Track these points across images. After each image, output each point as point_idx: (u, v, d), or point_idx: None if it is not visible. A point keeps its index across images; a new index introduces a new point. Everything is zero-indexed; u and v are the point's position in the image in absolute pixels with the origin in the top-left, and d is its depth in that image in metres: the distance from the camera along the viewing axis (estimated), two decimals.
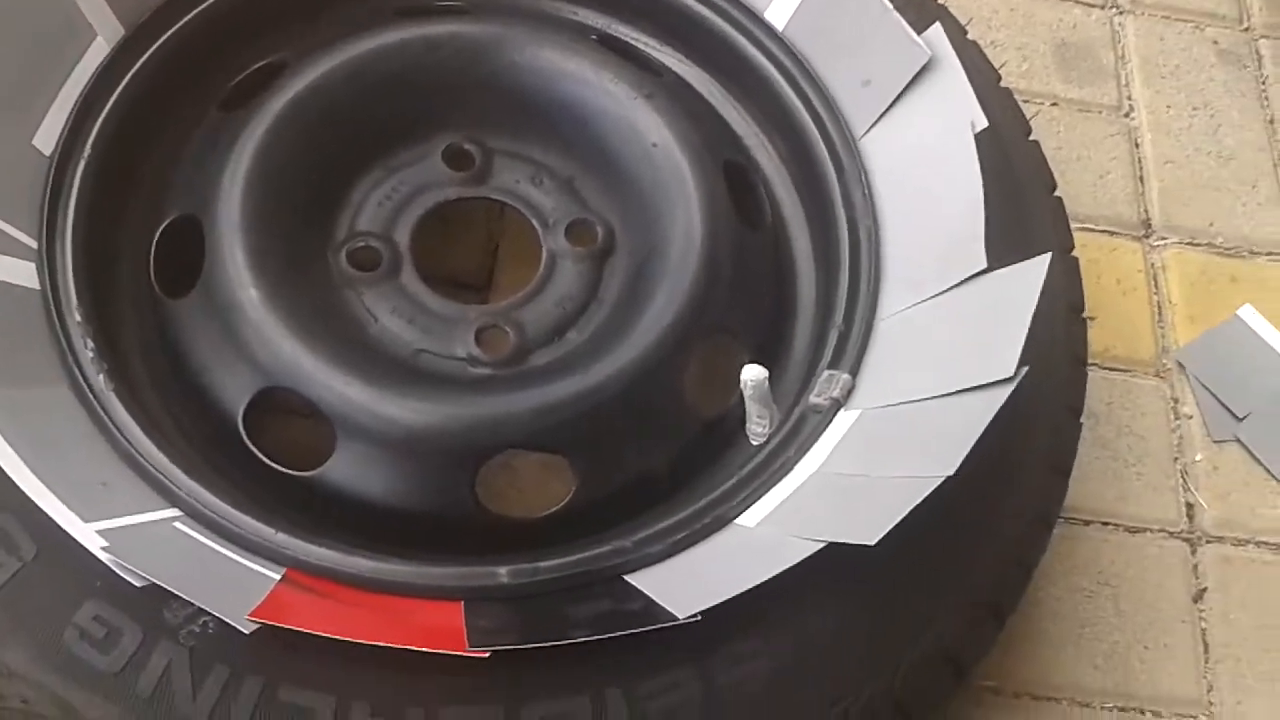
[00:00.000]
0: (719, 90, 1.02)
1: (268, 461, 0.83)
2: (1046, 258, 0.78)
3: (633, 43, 1.03)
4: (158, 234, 0.89)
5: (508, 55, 0.97)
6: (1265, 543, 1.12)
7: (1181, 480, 1.15)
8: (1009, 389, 0.74)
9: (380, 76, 0.95)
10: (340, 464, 0.82)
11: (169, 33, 0.93)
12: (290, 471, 0.83)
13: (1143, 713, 1.04)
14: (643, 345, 0.86)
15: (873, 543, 0.68)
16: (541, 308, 0.93)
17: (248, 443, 0.83)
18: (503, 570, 0.76)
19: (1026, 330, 0.75)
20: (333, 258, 0.92)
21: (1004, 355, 0.75)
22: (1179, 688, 1.05)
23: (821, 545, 0.71)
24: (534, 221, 0.97)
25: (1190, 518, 1.13)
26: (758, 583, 0.70)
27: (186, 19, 0.93)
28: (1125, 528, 1.12)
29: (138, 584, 0.69)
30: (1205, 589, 1.09)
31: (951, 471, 0.70)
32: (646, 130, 0.94)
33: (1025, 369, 0.74)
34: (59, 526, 0.70)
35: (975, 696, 1.00)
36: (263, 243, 0.87)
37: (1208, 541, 1.12)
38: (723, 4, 0.99)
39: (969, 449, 0.71)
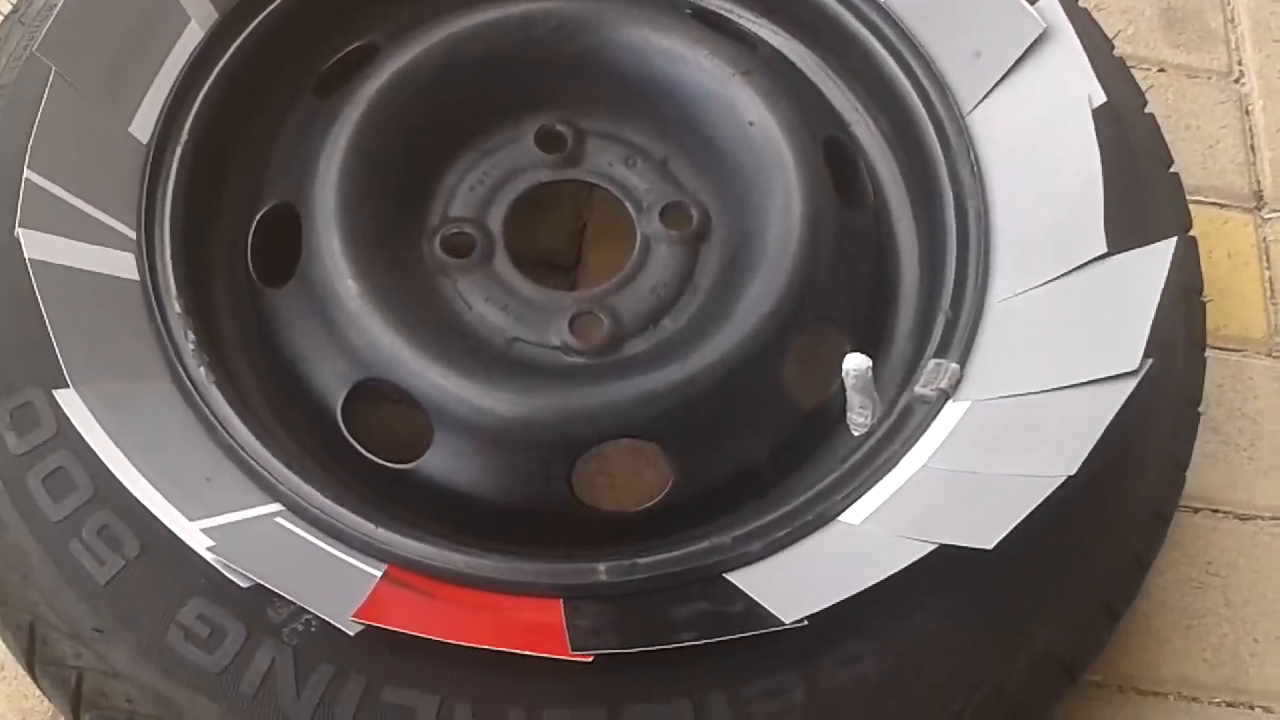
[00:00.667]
0: (818, 64, 0.98)
1: (367, 454, 0.83)
2: (1172, 243, 0.75)
3: (728, 16, 1.00)
4: (255, 222, 0.89)
5: (601, 32, 0.94)
6: None
7: None
8: (1133, 383, 0.70)
9: (473, 57, 0.93)
10: (438, 456, 0.81)
11: (261, 16, 0.91)
12: (389, 464, 0.83)
13: (1252, 708, 1.00)
14: (740, 334, 0.84)
15: (990, 546, 0.66)
16: (636, 294, 0.91)
17: (347, 435, 0.83)
18: (601, 567, 0.75)
19: (1150, 320, 0.72)
20: (427, 245, 0.91)
21: (1128, 347, 0.71)
22: None
23: (933, 547, 0.69)
24: (627, 204, 0.95)
25: None
26: (866, 586, 0.68)
27: (279, 2, 0.92)
28: (1235, 515, 1.08)
29: (243, 584, 0.69)
30: None
31: (1073, 471, 0.68)
32: (744, 109, 0.92)
33: (1150, 361, 0.71)
34: (163, 524, 0.70)
35: (1079, 690, 0.97)
36: (359, 231, 0.86)
37: None
38: None
39: (1090, 447, 0.68)
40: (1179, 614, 1.03)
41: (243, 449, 0.77)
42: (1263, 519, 1.08)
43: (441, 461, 0.81)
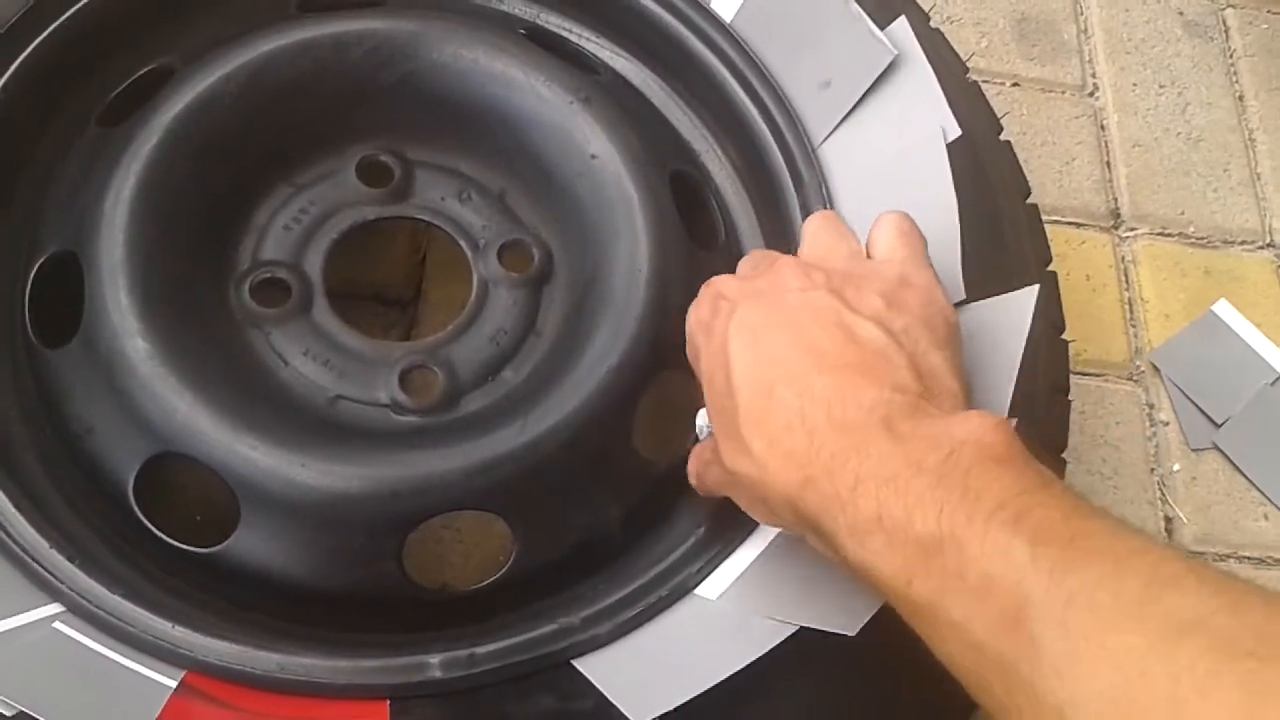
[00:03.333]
0: (664, 90, 0.92)
1: (164, 538, 0.73)
2: (1034, 290, 0.71)
3: (566, 36, 0.93)
4: (33, 274, 0.78)
5: (425, 55, 0.86)
6: (1248, 558, 1.06)
7: (1160, 493, 1.09)
8: None
9: (282, 82, 0.84)
10: (247, 538, 0.72)
11: (39, 39, 0.80)
12: (191, 549, 0.73)
13: None
14: (586, 390, 0.77)
15: (853, 633, 0.60)
16: (473, 343, 0.84)
17: (141, 517, 0.73)
18: (434, 660, 0.67)
19: (1015, 376, 0.67)
20: (234, 292, 0.81)
21: (992, 403, 0.67)
22: None
23: (793, 630, 0.63)
24: (462, 243, 0.87)
25: (1170, 533, 1.07)
26: (724, 676, 0.62)
27: (59, 22, 0.81)
28: None
29: (8, 714, 0.59)
30: None
31: None
32: (584, 139, 0.84)
33: (1014, 421, 0.67)
34: None
35: None
36: (151, 280, 0.76)
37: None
38: None
39: None
40: None
41: (15, 541, 0.67)
42: None
43: (251, 544, 0.72)
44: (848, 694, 0.69)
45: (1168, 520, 1.07)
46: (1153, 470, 1.09)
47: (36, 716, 0.58)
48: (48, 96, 0.81)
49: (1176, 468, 1.09)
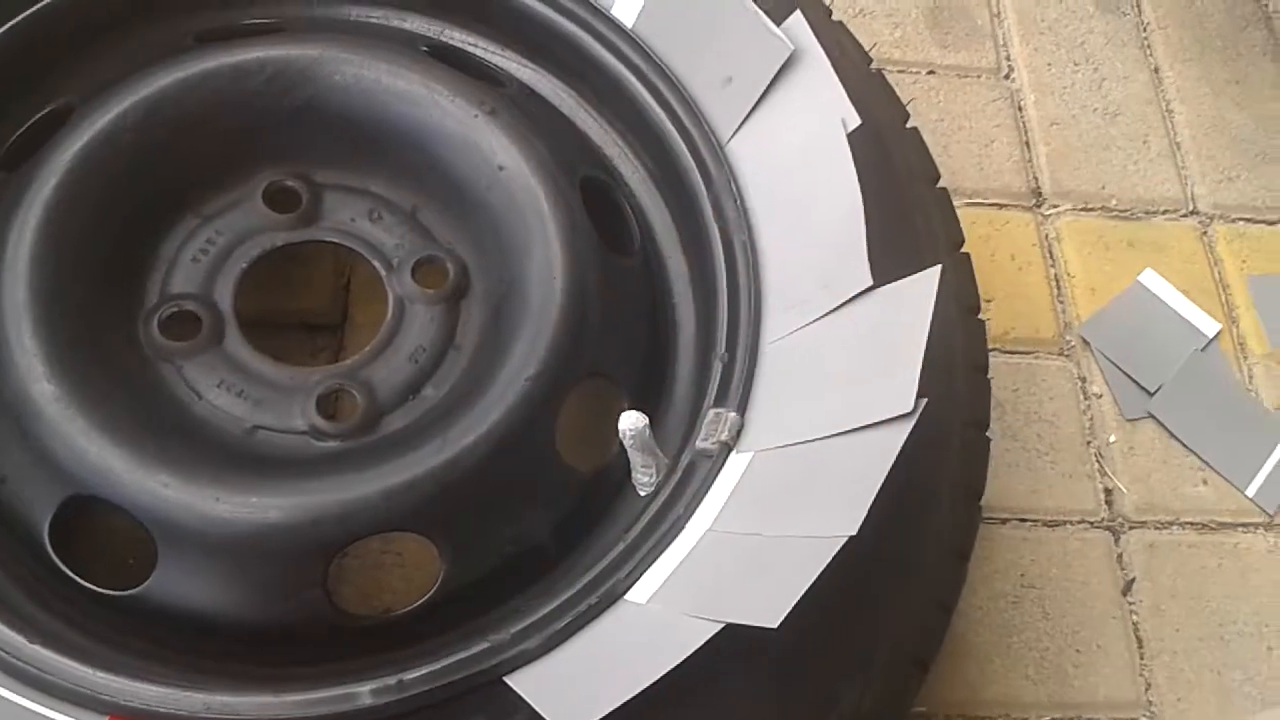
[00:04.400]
0: (571, 97, 0.92)
1: (81, 583, 0.72)
2: (936, 271, 0.71)
3: (470, 50, 0.92)
4: None
5: (326, 79, 0.85)
6: (1190, 523, 1.07)
7: (1097, 465, 1.09)
8: (908, 426, 0.66)
9: (183, 114, 0.83)
10: (165, 577, 0.71)
11: None
12: (108, 592, 0.72)
13: None
14: (507, 401, 0.76)
15: (775, 625, 0.60)
16: (392, 363, 0.83)
17: (57, 562, 0.72)
18: (365, 690, 0.66)
19: (922, 355, 0.67)
20: (144, 328, 0.80)
21: (900, 387, 0.67)
22: (1116, 690, 1.00)
23: (719, 628, 0.63)
24: (375, 263, 0.86)
25: (1110, 504, 1.08)
26: (651, 681, 0.62)
27: None
28: (1043, 522, 1.06)
29: None
30: (1133, 579, 1.04)
31: (854, 531, 0.63)
32: (491, 151, 0.84)
33: (924, 401, 0.66)
34: None
35: None
36: (56, 322, 0.75)
37: (1131, 528, 1.07)
38: (566, 2, 0.89)
39: (870, 502, 0.63)
40: (998, 632, 1.01)
41: None
42: (1070, 524, 1.06)
43: (171, 583, 0.71)
44: (778, 689, 0.69)
45: (1107, 492, 1.08)
46: (1089, 443, 1.10)
47: None
48: None
49: (1113, 439, 1.10)
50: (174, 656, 0.70)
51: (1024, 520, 1.06)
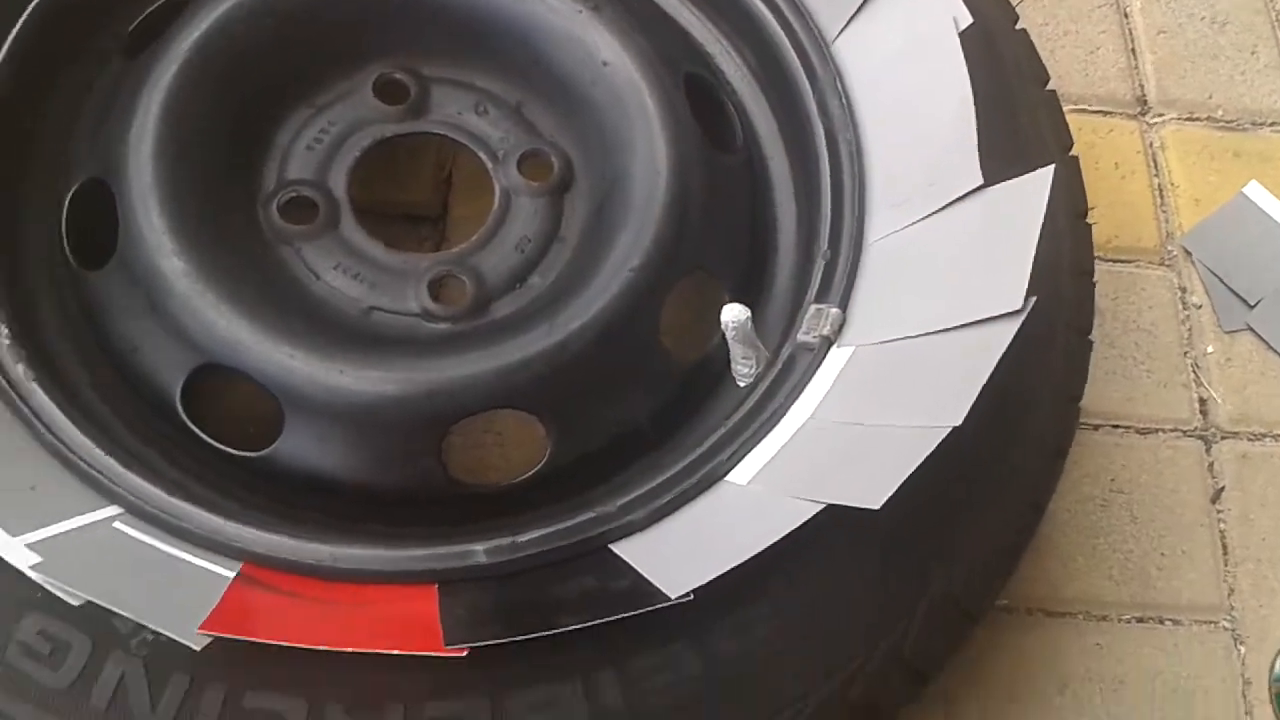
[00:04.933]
0: None
1: (213, 444, 0.76)
2: (1049, 171, 0.71)
3: None
4: (67, 200, 0.80)
5: None
6: None
7: (1193, 375, 1.09)
8: (1016, 323, 0.67)
9: (294, 6, 0.85)
10: (291, 442, 0.75)
11: None
12: (238, 453, 0.76)
13: (1162, 622, 1.00)
14: (612, 290, 0.78)
15: (877, 506, 0.62)
16: (499, 252, 0.86)
17: (189, 425, 0.76)
18: (479, 547, 0.70)
19: (1033, 254, 0.68)
20: (263, 212, 0.84)
21: (1010, 285, 0.67)
22: (1199, 594, 1.00)
23: (820, 508, 0.65)
24: (482, 155, 0.89)
25: (1204, 414, 1.07)
26: (754, 553, 0.64)
27: None
28: (1136, 429, 1.06)
29: (74, 603, 0.62)
30: (1223, 488, 1.04)
31: (958, 422, 0.64)
32: (596, 47, 0.85)
33: (1033, 299, 0.67)
34: None
35: (987, 616, 0.95)
36: (182, 203, 0.78)
37: (1223, 438, 1.07)
38: None
39: (975, 395, 0.65)
40: (1084, 533, 1.02)
41: (72, 450, 0.70)
42: (1163, 431, 1.06)
43: (297, 447, 0.75)
44: (874, 569, 0.71)
45: (1201, 402, 1.08)
46: (1186, 353, 1.09)
47: (103, 605, 0.62)
48: (71, 31, 0.83)
49: (1210, 350, 1.09)
50: (299, 514, 0.74)
51: (1117, 427, 1.06)
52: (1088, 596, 1.00)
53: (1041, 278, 0.70)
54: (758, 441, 0.74)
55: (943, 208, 0.74)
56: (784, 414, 0.75)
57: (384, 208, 1.01)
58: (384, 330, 0.82)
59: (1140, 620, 1.00)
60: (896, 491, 0.63)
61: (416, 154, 1.04)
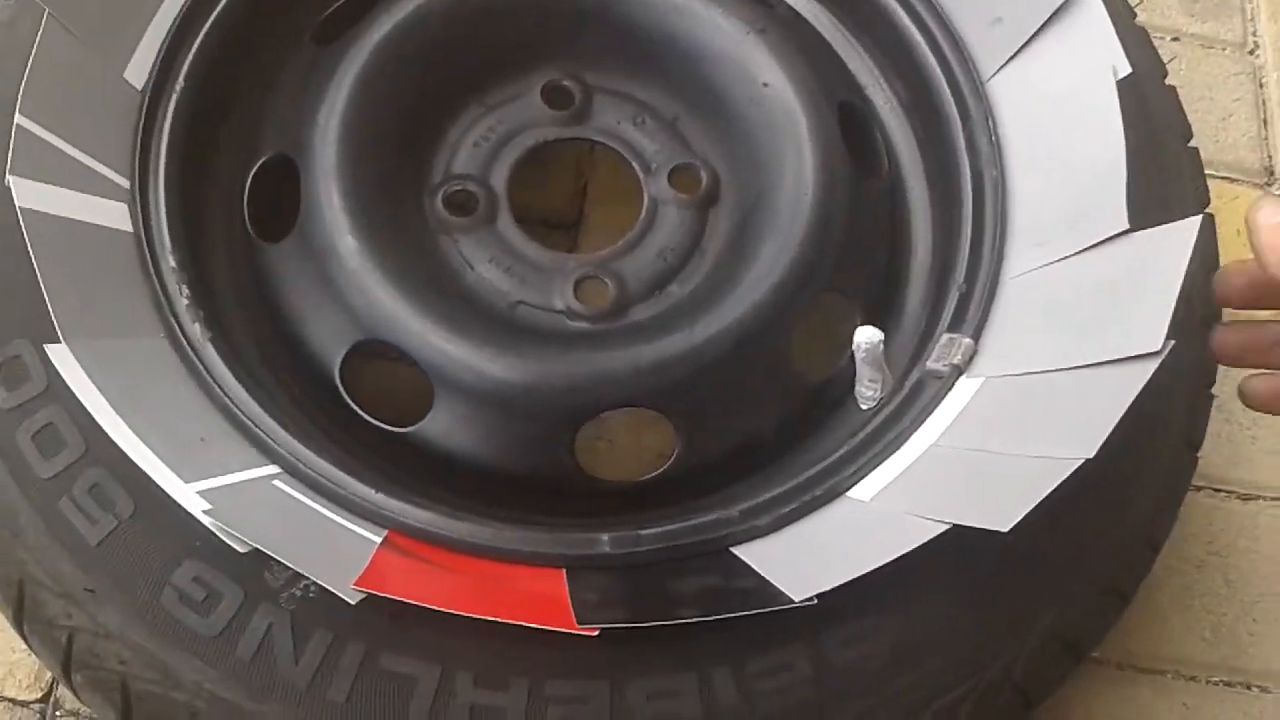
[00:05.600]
0: (835, 25, 0.95)
1: (366, 417, 0.81)
2: (1197, 220, 0.73)
3: None
4: (251, 174, 0.86)
5: None
6: None
7: None
8: (1154, 364, 0.69)
9: (478, 7, 0.90)
10: (438, 421, 0.79)
11: None
12: (388, 427, 0.81)
13: (1249, 687, 1.00)
14: (749, 303, 0.82)
15: (1006, 529, 0.64)
16: (642, 258, 0.89)
17: (345, 397, 0.81)
18: (604, 537, 0.73)
19: (1175, 299, 0.70)
20: (428, 201, 0.88)
21: (1150, 326, 0.69)
22: None
23: (946, 527, 0.67)
24: (635, 165, 0.92)
25: None
26: (878, 565, 0.67)
27: None
28: (1238, 495, 1.07)
29: (241, 549, 0.67)
30: None
31: (1092, 454, 0.66)
32: (758, 69, 0.89)
33: (1172, 343, 0.69)
34: (157, 485, 0.68)
35: (1078, 668, 0.97)
36: (360, 185, 0.83)
37: None
38: None
39: (1110, 429, 0.67)
40: (1180, 593, 1.03)
41: (239, 409, 0.75)
42: (1265, 499, 1.07)
43: (442, 426, 0.79)
44: (988, 596, 0.73)
45: None
46: None
47: (268, 553, 0.66)
48: (268, 13, 0.89)
49: None
50: (439, 491, 0.77)
51: (1219, 490, 1.07)
52: (1179, 656, 1.00)
53: (1175, 327, 0.72)
54: (881, 461, 0.76)
55: (1087, 248, 0.76)
56: (909, 437, 0.77)
57: (524, 211, 1.05)
58: (528, 324, 0.86)
59: (1229, 684, 1.00)
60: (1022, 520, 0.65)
61: (557, 162, 1.08)
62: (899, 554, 0.67)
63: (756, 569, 0.71)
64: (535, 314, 0.86)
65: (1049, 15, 0.83)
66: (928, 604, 0.72)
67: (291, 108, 0.86)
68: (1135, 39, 0.90)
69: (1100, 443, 0.66)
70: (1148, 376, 0.68)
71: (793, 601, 0.67)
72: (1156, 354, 0.68)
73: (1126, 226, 0.74)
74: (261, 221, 0.85)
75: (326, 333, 0.81)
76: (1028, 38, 0.84)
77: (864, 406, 0.85)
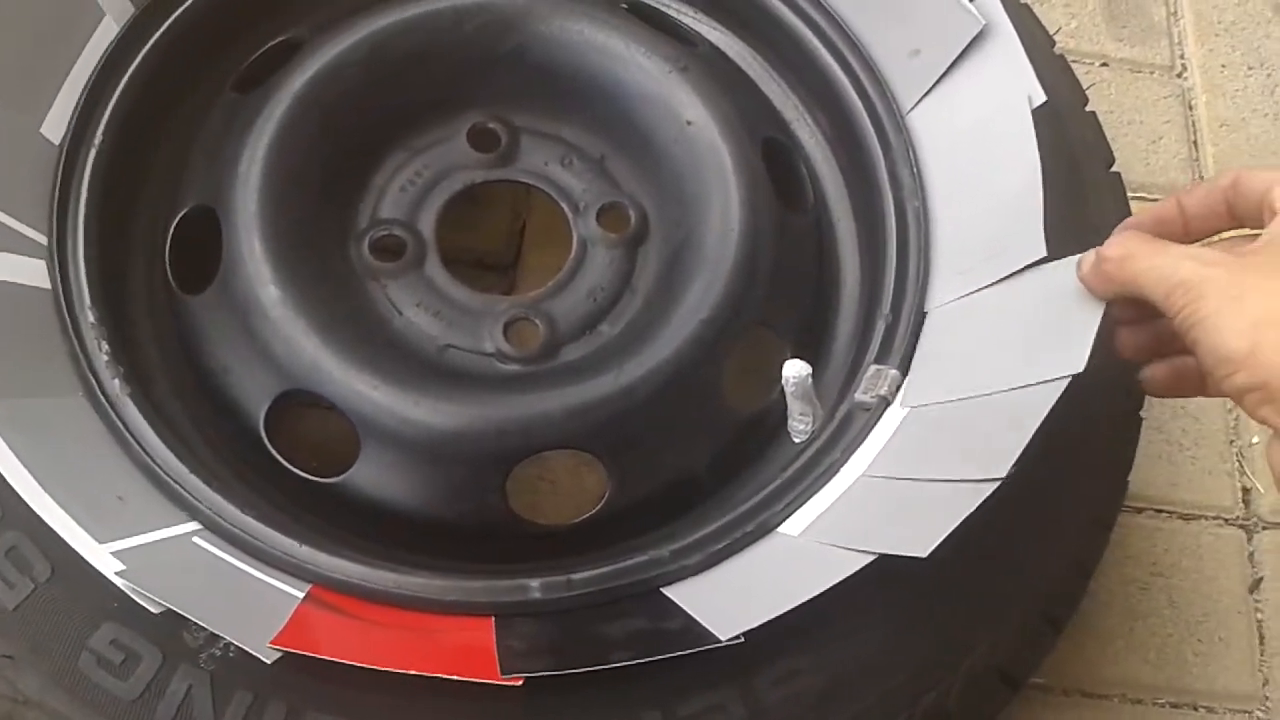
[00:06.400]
0: (758, 61, 0.96)
1: (291, 468, 0.80)
2: None
3: (666, 11, 0.98)
4: (173, 226, 0.85)
5: (534, 28, 0.91)
6: None
7: (1238, 464, 1.10)
8: (1065, 382, 0.69)
9: (403, 52, 0.90)
10: (365, 469, 0.79)
11: (180, 9, 0.87)
12: (314, 478, 0.80)
13: (1196, 708, 1.00)
14: (679, 341, 0.82)
15: (925, 554, 0.64)
16: (572, 299, 0.89)
17: (270, 448, 0.80)
18: (534, 583, 0.72)
19: (1096, 325, 0.70)
20: (354, 248, 0.88)
21: (1073, 350, 0.69)
22: (1234, 682, 1.01)
23: (871, 559, 0.67)
24: (564, 205, 0.92)
25: (1246, 504, 1.09)
26: (804, 600, 0.66)
27: None
28: (1179, 515, 1.08)
29: (155, 610, 0.66)
30: (1261, 578, 1.05)
31: (1002, 476, 0.66)
32: (681, 107, 0.89)
33: (1072, 373, 0.69)
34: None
35: (1023, 695, 0.96)
36: (282, 234, 0.83)
37: (1264, 528, 1.08)
38: None
39: (1020, 451, 0.67)
40: (1123, 615, 1.03)
41: (158, 465, 0.74)
42: (1205, 518, 1.08)
43: (369, 475, 0.79)
44: (919, 627, 0.73)
45: (1245, 491, 1.09)
46: (1231, 442, 1.11)
47: (182, 614, 0.65)
48: (187, 64, 0.89)
49: (1255, 440, 1.11)
50: (365, 542, 0.77)
51: (1160, 511, 1.08)
52: (1125, 679, 1.00)
53: (1098, 347, 0.72)
54: (811, 495, 0.76)
55: (1006, 277, 0.76)
56: (838, 470, 0.77)
57: (459, 254, 1.05)
58: (458, 367, 0.85)
59: (1175, 706, 1.00)
60: (943, 549, 0.65)
61: (493, 203, 1.08)
62: (825, 587, 0.67)
63: (685, 609, 0.71)
64: (464, 357, 0.86)
65: (965, 47, 0.84)
66: (860, 637, 0.72)
67: (212, 158, 0.85)
68: (1054, 67, 0.91)
69: (1010, 464, 0.66)
70: (1058, 394, 0.68)
71: (720, 641, 0.66)
72: (1066, 377, 0.68)
73: (1044, 254, 0.75)
74: (184, 273, 0.84)
75: (250, 384, 0.80)
76: (945, 69, 0.85)
77: (796, 440, 0.85)
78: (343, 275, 0.86)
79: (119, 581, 0.65)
